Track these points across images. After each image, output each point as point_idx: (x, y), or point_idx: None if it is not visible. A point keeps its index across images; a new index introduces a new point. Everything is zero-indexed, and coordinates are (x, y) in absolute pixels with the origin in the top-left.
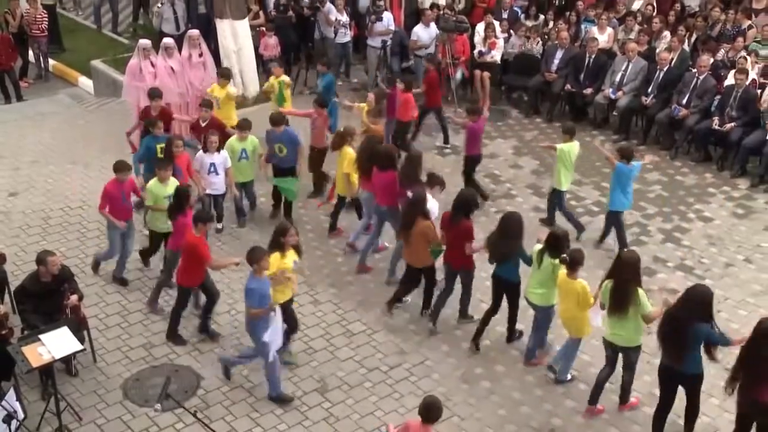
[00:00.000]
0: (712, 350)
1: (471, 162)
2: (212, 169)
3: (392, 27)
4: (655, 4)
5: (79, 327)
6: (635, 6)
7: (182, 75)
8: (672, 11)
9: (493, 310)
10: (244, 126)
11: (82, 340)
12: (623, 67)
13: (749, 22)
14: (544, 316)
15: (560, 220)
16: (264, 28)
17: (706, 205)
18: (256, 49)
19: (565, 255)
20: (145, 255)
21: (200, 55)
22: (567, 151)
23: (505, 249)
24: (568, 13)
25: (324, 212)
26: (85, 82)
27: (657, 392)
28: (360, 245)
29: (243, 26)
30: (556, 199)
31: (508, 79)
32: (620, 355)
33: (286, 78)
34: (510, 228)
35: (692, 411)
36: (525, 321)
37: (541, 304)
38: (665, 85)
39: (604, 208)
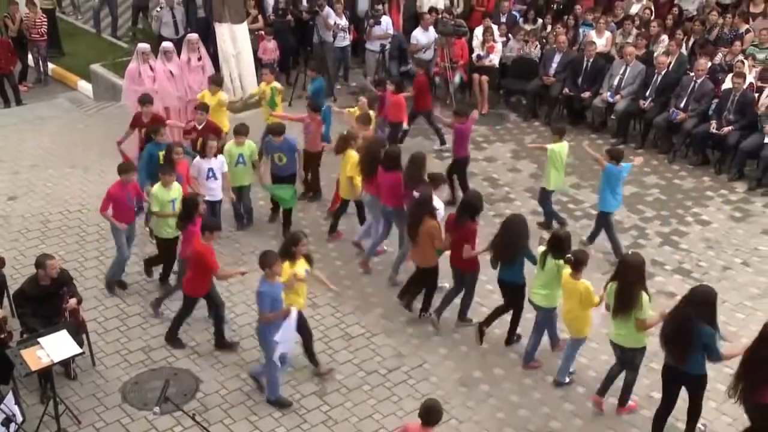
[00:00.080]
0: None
1: (459, 164)
2: (211, 174)
3: (391, 31)
4: (652, 8)
5: (78, 330)
6: (633, 10)
7: (181, 79)
8: (670, 15)
9: (505, 308)
10: (241, 131)
11: (81, 344)
12: (621, 71)
13: (747, 26)
14: (545, 318)
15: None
16: (263, 32)
17: (703, 208)
18: (255, 53)
19: (569, 255)
20: (150, 264)
21: (199, 59)
22: (557, 151)
23: (512, 249)
24: (566, 17)
25: (322, 216)
26: (85, 86)
27: (656, 395)
28: (366, 244)
29: (242, 30)
30: (543, 197)
31: (507, 83)
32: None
33: (277, 84)
34: (515, 229)
35: (694, 411)
36: (524, 324)
37: (543, 305)
38: (663, 88)
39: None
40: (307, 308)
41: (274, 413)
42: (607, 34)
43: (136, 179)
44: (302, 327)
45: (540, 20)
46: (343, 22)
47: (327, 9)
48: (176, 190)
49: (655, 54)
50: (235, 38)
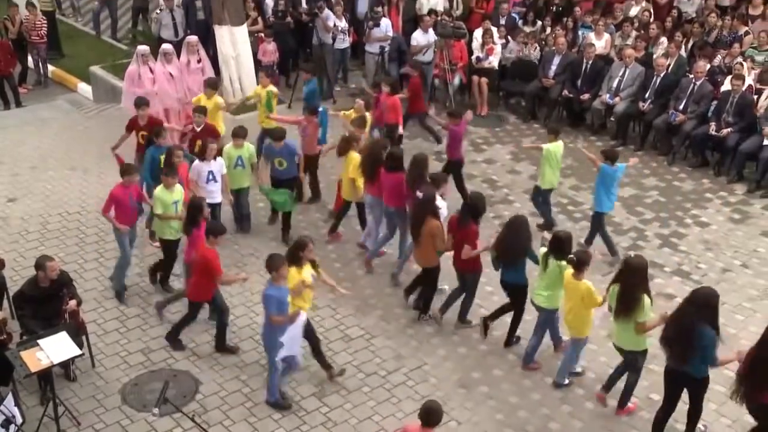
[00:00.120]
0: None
1: (453, 166)
2: (211, 177)
3: (390, 33)
4: (652, 11)
5: (77, 332)
6: (632, 12)
7: (181, 81)
8: (669, 17)
9: (510, 306)
10: (239, 133)
11: (80, 345)
12: (620, 73)
13: (746, 28)
14: (547, 319)
15: (562, 224)
16: (262, 35)
17: (703, 210)
18: (255, 55)
19: (572, 255)
20: (155, 271)
21: (199, 61)
22: (553, 150)
23: (515, 250)
24: (565, 19)
25: (321, 218)
26: (84, 88)
27: (655, 397)
28: (370, 245)
29: (241, 32)
30: (537, 196)
31: (506, 85)
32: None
33: (273, 88)
34: (518, 230)
35: (694, 413)
36: (523, 326)
37: (546, 306)
38: (662, 90)
39: None
40: (308, 309)
41: (274, 415)
42: (607, 36)
43: (138, 181)
44: (309, 333)
45: (539, 22)
46: (343, 24)
47: (326, 11)
48: (178, 192)
49: (655, 56)
50: (234, 40)
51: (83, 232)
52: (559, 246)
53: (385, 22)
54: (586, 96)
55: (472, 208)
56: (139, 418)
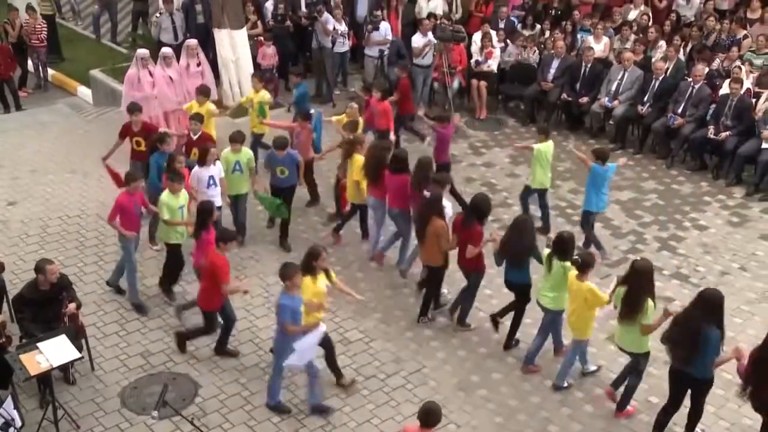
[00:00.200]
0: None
1: (441, 170)
2: (211, 182)
3: (389, 36)
4: (650, 14)
5: (77, 335)
6: (631, 16)
7: (180, 84)
8: (667, 21)
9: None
10: (237, 138)
11: (80, 348)
12: (619, 77)
13: (744, 32)
14: (552, 320)
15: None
16: (262, 38)
17: (701, 213)
18: (254, 58)
19: (577, 257)
20: (166, 280)
21: (198, 64)
22: (544, 150)
23: (520, 250)
24: (564, 23)
25: (320, 221)
26: (84, 92)
27: (654, 400)
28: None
29: (241, 36)
30: (526, 195)
31: (505, 89)
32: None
33: (266, 94)
34: (523, 230)
35: (694, 415)
36: (523, 329)
37: (551, 307)
38: (661, 94)
39: (600, 216)
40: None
41: (273, 418)
42: (605, 39)
43: (142, 188)
44: (326, 341)
45: (538, 26)
46: (343, 27)
47: (326, 15)
48: (184, 197)
49: (653, 59)
50: (234, 44)
51: (83, 235)
52: (563, 247)
53: (385, 26)
54: (584, 99)
55: (477, 209)
56: (138, 421)
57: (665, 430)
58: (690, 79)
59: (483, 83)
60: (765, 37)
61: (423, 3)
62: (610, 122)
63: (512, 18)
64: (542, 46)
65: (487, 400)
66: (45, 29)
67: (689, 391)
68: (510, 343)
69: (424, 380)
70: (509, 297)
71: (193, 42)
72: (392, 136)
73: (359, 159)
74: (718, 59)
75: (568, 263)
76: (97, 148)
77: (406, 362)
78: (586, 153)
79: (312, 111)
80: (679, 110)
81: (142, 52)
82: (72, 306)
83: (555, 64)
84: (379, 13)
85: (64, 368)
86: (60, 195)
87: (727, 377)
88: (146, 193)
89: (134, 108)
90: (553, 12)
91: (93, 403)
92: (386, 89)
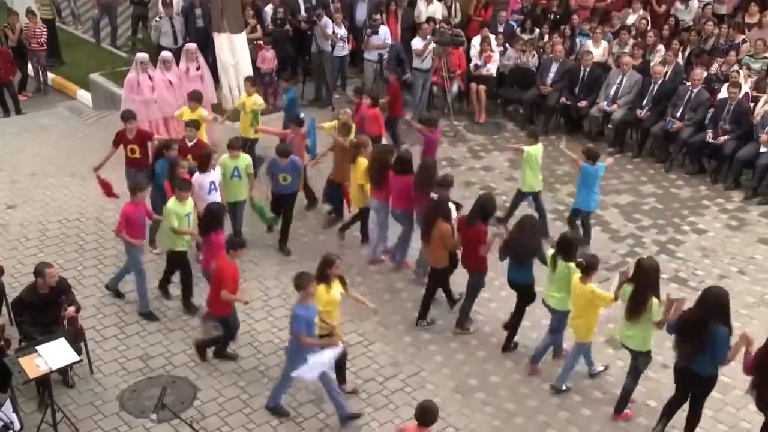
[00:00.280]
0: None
1: None
2: (213, 187)
3: (389, 41)
4: (649, 19)
5: (76, 338)
6: (630, 20)
7: (180, 88)
8: (666, 25)
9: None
10: (235, 145)
11: (79, 352)
12: (618, 81)
13: (742, 36)
14: (559, 320)
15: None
16: (261, 42)
17: (700, 217)
18: (254, 62)
19: (581, 260)
20: (187, 298)
21: (198, 68)
22: (533, 153)
23: (525, 250)
24: (563, 27)
25: (320, 224)
26: (84, 96)
27: (652, 404)
28: (395, 253)
29: (240, 40)
30: (517, 199)
31: (504, 92)
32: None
33: (259, 100)
34: (528, 230)
35: (693, 419)
36: (521, 332)
37: (558, 308)
38: (659, 98)
39: (598, 219)
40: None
41: (272, 421)
42: (604, 43)
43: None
44: (340, 357)
45: (537, 30)
46: (342, 31)
47: (325, 19)
48: (190, 205)
49: (652, 64)
50: (233, 48)
51: (82, 239)
52: (567, 248)
53: (384, 30)
54: (583, 103)
55: (481, 209)
56: (137, 424)
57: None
58: (688, 84)
59: (482, 87)
60: (763, 41)
61: (422, 7)
62: (609, 126)
63: (511, 22)
64: (541, 50)
65: (485, 403)
66: (45, 33)
67: (691, 391)
68: (509, 345)
69: (422, 383)
70: (507, 300)
71: (192, 46)
72: (384, 141)
73: (363, 162)
74: (716, 63)
75: (572, 264)
76: (97, 152)
77: (404, 365)
78: (577, 152)
79: (302, 115)
80: (678, 114)
81: (142, 56)
82: (71, 309)
83: (554, 68)
84: (378, 17)
85: (63, 371)
86: (59, 198)
87: (725, 380)
88: (150, 199)
89: (128, 115)
90: (552, 16)
91: (92, 406)
92: (377, 96)
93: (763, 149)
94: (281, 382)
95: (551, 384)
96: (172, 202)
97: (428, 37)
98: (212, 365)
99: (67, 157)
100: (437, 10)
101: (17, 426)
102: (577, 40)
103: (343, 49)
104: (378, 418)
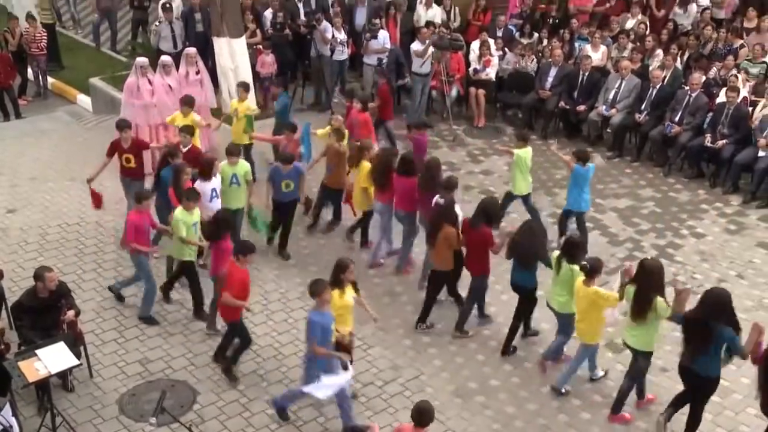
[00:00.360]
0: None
1: None
2: (214, 194)
3: (388, 45)
4: (648, 23)
5: (75, 342)
6: (628, 25)
7: (179, 93)
8: (665, 30)
9: (525, 311)
10: (233, 151)
11: (78, 356)
12: (617, 85)
13: (741, 41)
14: (564, 323)
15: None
16: (261, 46)
17: (698, 221)
18: (253, 67)
19: (585, 263)
20: (199, 307)
21: (197, 72)
22: (523, 156)
23: (529, 254)
24: (562, 31)
25: (320, 228)
26: (84, 100)
27: (651, 408)
28: (391, 254)
29: (240, 44)
30: (507, 201)
31: (503, 97)
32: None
33: (252, 105)
34: (532, 234)
35: (693, 422)
36: (520, 336)
37: (562, 311)
38: (658, 102)
39: (597, 223)
40: (303, 320)
41: (271, 425)
42: (603, 48)
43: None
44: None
45: (536, 34)
46: (342, 36)
47: (324, 23)
48: (197, 214)
49: (650, 68)
50: (233, 52)
51: (82, 243)
52: (573, 250)
53: (383, 34)
54: (582, 108)
55: (484, 213)
56: (136, 428)
57: None
58: (687, 88)
59: (481, 91)
60: (761, 46)
61: (421, 11)
62: (608, 130)
63: (510, 26)
64: (540, 54)
65: (485, 406)
66: (45, 38)
67: (691, 391)
68: (508, 349)
69: (421, 387)
70: (508, 304)
71: (192, 50)
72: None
73: (366, 166)
74: (714, 68)
75: (576, 267)
76: (97, 156)
77: (403, 369)
78: (568, 154)
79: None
80: (677, 118)
81: (142, 60)
82: (71, 313)
83: (553, 72)
84: (377, 21)
85: (63, 375)
86: (59, 202)
87: (724, 384)
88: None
89: (124, 125)
90: (551, 21)
91: (91, 410)
92: (367, 100)
93: (761, 153)
94: (296, 392)
95: (552, 385)
96: (179, 212)
97: (427, 41)
98: (211, 369)
99: (67, 162)
100: (436, 15)
101: (17, 430)
102: (576, 45)
103: (343, 54)
104: (377, 422)
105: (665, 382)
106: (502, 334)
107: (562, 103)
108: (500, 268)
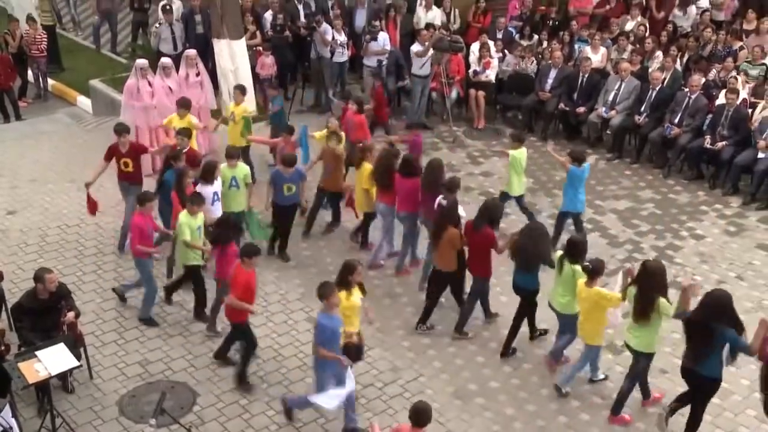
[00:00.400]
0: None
1: None
2: (215, 198)
3: (388, 47)
4: (647, 25)
5: (75, 344)
6: (628, 26)
7: (179, 94)
8: (664, 32)
9: (527, 313)
10: (232, 154)
11: (78, 357)
12: (616, 87)
13: (740, 43)
14: (566, 324)
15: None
16: (261, 48)
17: (698, 222)
18: (253, 68)
19: (587, 264)
20: (201, 307)
21: (197, 74)
22: (518, 157)
23: (532, 256)
24: (561, 33)
25: (320, 230)
26: (84, 102)
27: (650, 410)
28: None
29: (240, 46)
30: (502, 199)
31: (503, 99)
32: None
33: (249, 108)
34: (536, 237)
35: (693, 422)
36: (520, 337)
37: (564, 312)
38: (658, 104)
39: (596, 224)
40: (303, 321)
41: (271, 426)
42: (603, 50)
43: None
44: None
45: (536, 36)
46: (342, 38)
47: (324, 25)
48: (201, 218)
49: (650, 70)
50: (233, 54)
51: (82, 244)
52: (575, 250)
53: (383, 36)
54: (582, 109)
55: (487, 214)
56: (136, 429)
57: None
58: (686, 90)
59: (481, 93)
60: (760, 47)
61: (421, 13)
62: (608, 132)
63: (510, 28)
64: (540, 56)
65: (484, 408)
66: (45, 39)
67: (693, 393)
68: (507, 351)
69: (421, 389)
70: (508, 306)
71: (192, 52)
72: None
73: (368, 167)
74: (714, 70)
75: (578, 267)
76: (97, 158)
77: (403, 371)
78: (563, 155)
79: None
80: (676, 120)
81: (142, 62)
82: (71, 315)
83: (552, 74)
84: (377, 23)
85: (63, 377)
86: (59, 204)
87: (723, 386)
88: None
89: (122, 129)
90: (551, 22)
91: (91, 412)
92: (362, 102)
93: (761, 155)
94: (306, 399)
95: (554, 383)
96: (183, 216)
97: (426, 43)
98: (211, 370)
99: (67, 163)
100: (436, 17)
101: (16, 431)
102: (576, 47)
103: (343, 56)
104: (377, 424)
105: (665, 383)
106: (501, 335)
107: (561, 105)
108: (500, 269)
